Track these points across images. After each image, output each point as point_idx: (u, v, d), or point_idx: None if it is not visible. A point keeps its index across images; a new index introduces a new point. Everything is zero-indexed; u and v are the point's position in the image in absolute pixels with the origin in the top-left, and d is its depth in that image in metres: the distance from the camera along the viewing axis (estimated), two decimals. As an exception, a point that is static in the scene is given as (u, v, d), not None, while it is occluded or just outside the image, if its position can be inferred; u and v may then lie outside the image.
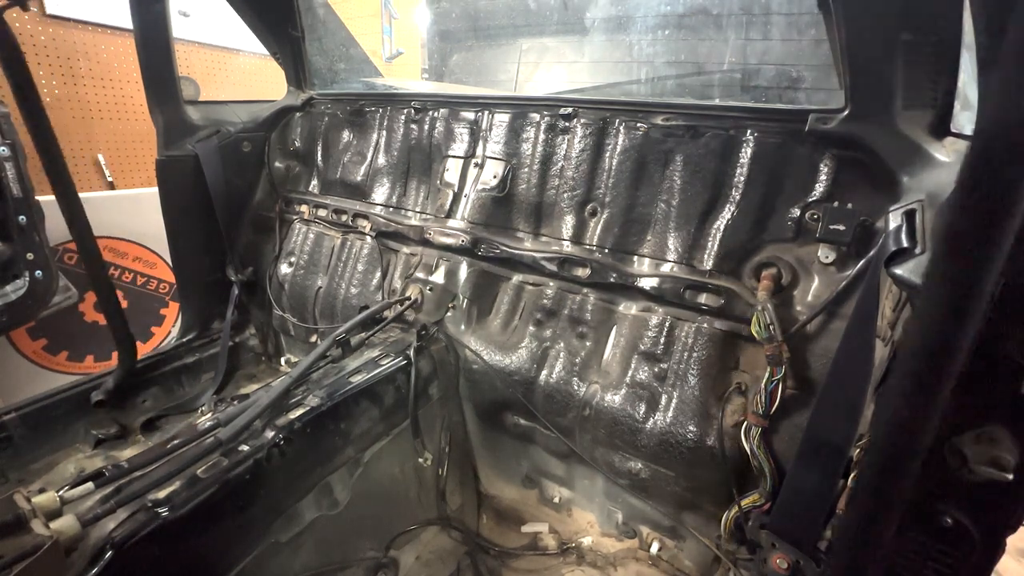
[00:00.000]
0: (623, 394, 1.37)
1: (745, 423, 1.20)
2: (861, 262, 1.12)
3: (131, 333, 1.79)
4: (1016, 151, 0.36)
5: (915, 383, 0.43)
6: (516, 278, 1.60)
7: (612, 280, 1.42)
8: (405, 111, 1.85)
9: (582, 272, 1.47)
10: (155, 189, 1.89)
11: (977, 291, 0.40)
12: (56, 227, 2.28)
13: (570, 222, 1.52)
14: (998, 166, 0.37)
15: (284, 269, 2.08)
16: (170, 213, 1.92)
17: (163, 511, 0.88)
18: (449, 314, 1.63)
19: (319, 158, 2.07)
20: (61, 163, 1.43)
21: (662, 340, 1.35)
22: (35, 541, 0.71)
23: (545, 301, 1.53)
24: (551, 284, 1.54)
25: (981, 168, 0.38)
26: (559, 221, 1.54)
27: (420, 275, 1.72)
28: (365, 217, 1.90)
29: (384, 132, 1.91)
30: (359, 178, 1.95)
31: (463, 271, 1.65)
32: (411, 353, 1.44)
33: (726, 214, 1.30)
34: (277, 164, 2.17)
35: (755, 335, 1.19)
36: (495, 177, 1.62)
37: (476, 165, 1.68)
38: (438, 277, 1.68)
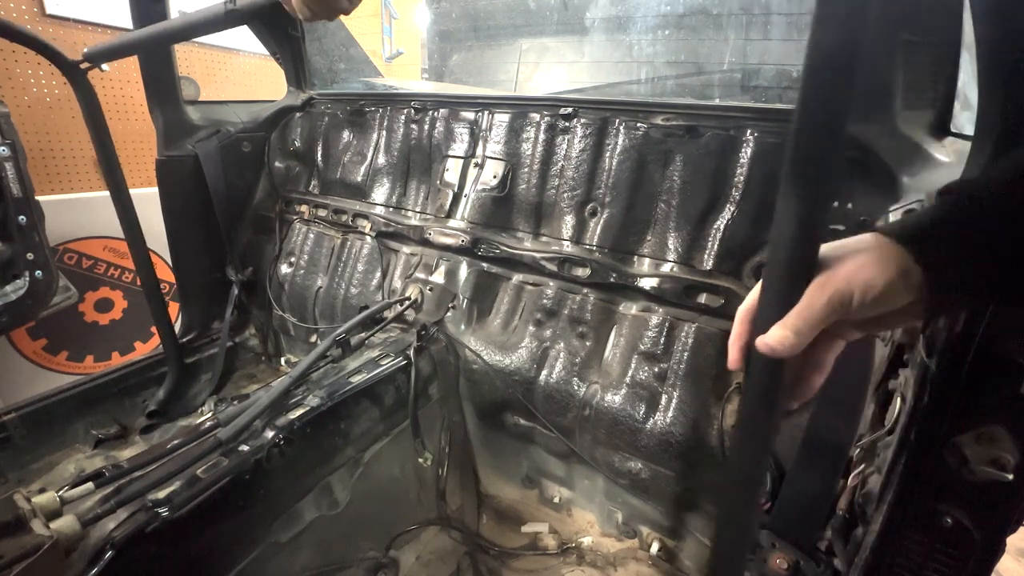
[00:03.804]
0: (623, 394, 1.37)
1: (745, 423, 1.20)
2: (861, 262, 1.11)
3: (178, 340, 1.93)
4: None
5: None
6: (516, 278, 1.60)
7: (612, 280, 1.42)
8: (405, 111, 1.85)
9: (582, 272, 1.47)
10: (155, 189, 1.89)
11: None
12: (56, 227, 2.29)
13: (570, 222, 1.52)
14: None
15: (284, 269, 2.08)
16: (170, 213, 1.92)
17: (163, 511, 0.88)
18: (449, 314, 1.63)
19: (319, 158, 2.07)
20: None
21: (662, 340, 1.35)
22: (35, 541, 0.71)
23: (545, 301, 1.53)
24: (551, 284, 1.54)
25: None
26: (559, 221, 1.54)
27: (420, 275, 1.72)
28: (365, 217, 1.90)
29: (384, 132, 1.91)
30: (359, 178, 1.95)
31: (463, 271, 1.65)
32: (411, 353, 1.44)
33: (726, 214, 1.30)
34: (277, 164, 2.17)
35: (755, 335, 1.19)
36: (495, 177, 1.62)
37: (476, 165, 1.68)
38: (438, 277, 1.68)
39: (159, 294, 1.88)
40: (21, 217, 1.92)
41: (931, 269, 0.47)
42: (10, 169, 1.87)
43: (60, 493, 0.83)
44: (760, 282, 0.53)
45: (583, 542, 1.56)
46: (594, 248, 1.48)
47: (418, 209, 1.83)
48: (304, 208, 2.08)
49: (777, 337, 0.48)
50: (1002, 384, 0.61)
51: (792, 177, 0.47)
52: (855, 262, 0.48)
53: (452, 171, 1.73)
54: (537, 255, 1.53)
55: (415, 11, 4.71)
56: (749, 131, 1.26)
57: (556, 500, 1.67)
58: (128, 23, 1.66)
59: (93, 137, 1.59)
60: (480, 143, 1.68)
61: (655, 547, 1.49)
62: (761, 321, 0.51)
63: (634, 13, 3.22)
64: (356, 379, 1.32)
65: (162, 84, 1.79)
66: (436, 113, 1.77)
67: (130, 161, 3.03)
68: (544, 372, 1.47)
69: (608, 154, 1.46)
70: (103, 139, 1.60)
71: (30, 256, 1.97)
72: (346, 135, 2.01)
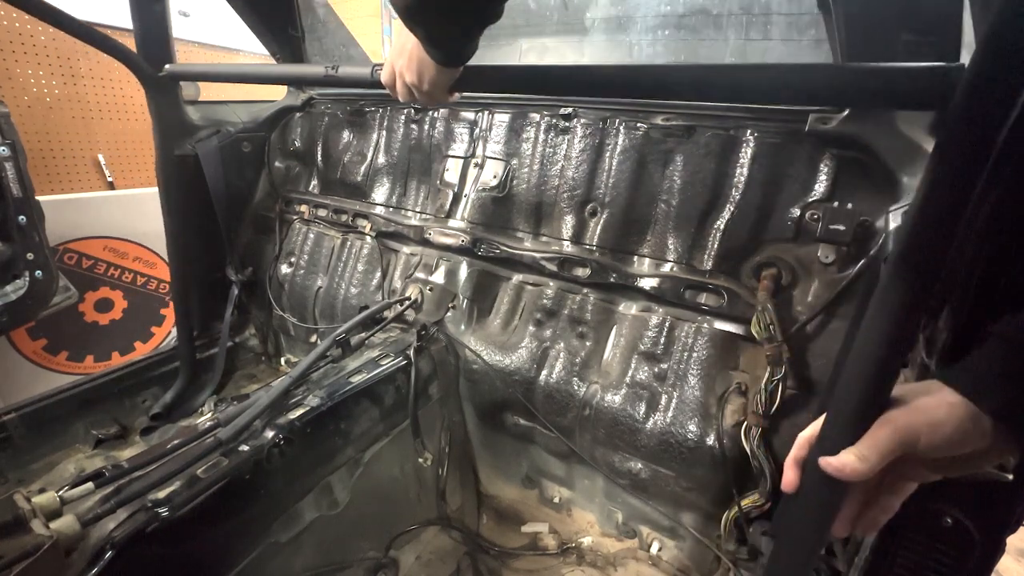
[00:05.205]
0: (623, 394, 1.37)
1: (745, 423, 1.20)
2: (861, 262, 1.12)
3: (195, 347, 1.98)
4: None
5: None
6: (516, 278, 1.60)
7: (612, 280, 1.42)
8: (405, 111, 1.85)
9: (582, 272, 1.47)
10: (155, 189, 1.89)
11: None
12: (56, 227, 2.29)
13: (570, 222, 1.52)
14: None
15: (284, 269, 2.08)
16: (170, 213, 1.92)
17: (163, 511, 0.88)
18: (449, 314, 1.63)
19: (319, 158, 2.07)
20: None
21: (662, 340, 1.35)
22: (35, 541, 0.71)
23: (545, 301, 1.53)
24: (551, 284, 1.54)
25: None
26: (559, 221, 1.54)
27: (420, 275, 1.72)
28: (365, 217, 1.90)
29: (384, 132, 1.91)
30: (359, 178, 1.95)
31: (463, 271, 1.65)
32: (411, 353, 1.44)
33: (726, 214, 1.30)
34: (277, 164, 2.17)
35: (755, 335, 1.19)
36: (495, 177, 1.62)
37: (476, 165, 1.68)
38: (438, 277, 1.68)
39: (185, 298, 1.94)
40: (21, 217, 1.92)
41: (1005, 420, 0.50)
42: (10, 169, 1.87)
43: (60, 493, 0.83)
44: (824, 415, 0.57)
45: (583, 542, 1.56)
46: (594, 248, 1.48)
47: (418, 209, 1.83)
48: (304, 208, 2.08)
49: (844, 460, 0.52)
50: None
51: (880, 326, 0.51)
52: (921, 404, 0.52)
53: (452, 171, 1.73)
54: (537, 255, 1.53)
55: (415, 11, 4.70)
56: (749, 131, 1.26)
57: (556, 500, 1.67)
58: (128, 23, 1.66)
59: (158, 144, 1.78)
60: (480, 143, 1.68)
61: (655, 547, 1.49)
62: (825, 447, 0.55)
63: (634, 13, 3.22)
64: (356, 379, 1.31)
65: (162, 84, 1.79)
66: (436, 113, 1.77)
67: (130, 161, 3.04)
68: (544, 372, 1.47)
69: (608, 154, 1.46)
70: None
71: (30, 256, 1.97)
72: (346, 135, 2.01)
